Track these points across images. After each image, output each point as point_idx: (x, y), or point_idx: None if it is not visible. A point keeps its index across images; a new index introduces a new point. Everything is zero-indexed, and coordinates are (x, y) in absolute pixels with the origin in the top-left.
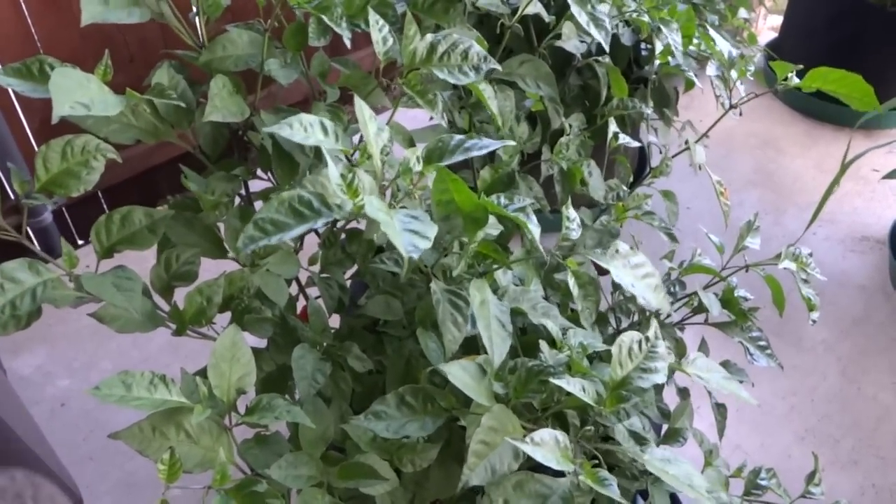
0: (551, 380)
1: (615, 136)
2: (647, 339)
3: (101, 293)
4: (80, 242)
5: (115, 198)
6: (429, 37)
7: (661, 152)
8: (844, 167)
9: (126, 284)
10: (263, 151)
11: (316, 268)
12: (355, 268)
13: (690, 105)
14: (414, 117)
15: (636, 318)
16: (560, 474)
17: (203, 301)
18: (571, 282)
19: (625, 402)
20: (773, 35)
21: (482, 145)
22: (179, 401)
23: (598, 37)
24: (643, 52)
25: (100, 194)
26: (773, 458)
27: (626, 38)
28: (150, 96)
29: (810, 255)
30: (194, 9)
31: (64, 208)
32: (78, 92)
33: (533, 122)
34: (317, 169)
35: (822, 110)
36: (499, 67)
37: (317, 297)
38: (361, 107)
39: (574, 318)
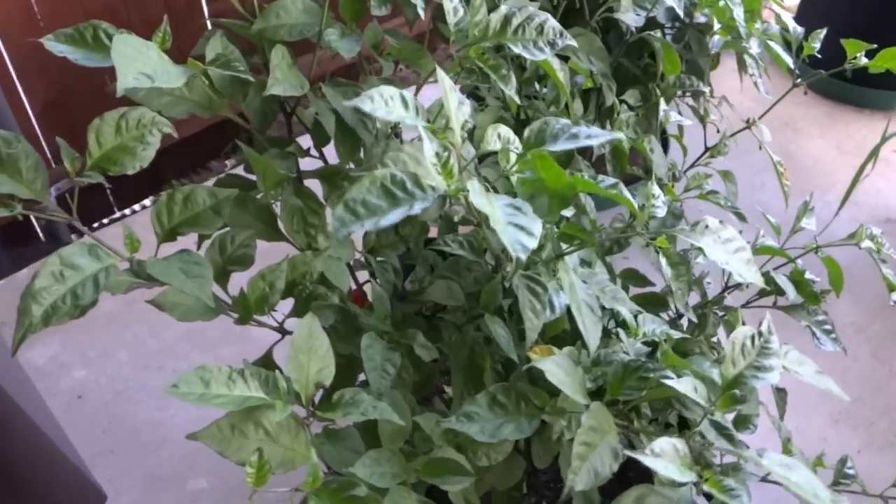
0: (664, 381)
1: (666, 114)
2: (760, 333)
3: (170, 279)
4: (84, 229)
5: (119, 186)
6: (503, 8)
7: (718, 131)
8: (876, 149)
9: (195, 270)
10: (318, 127)
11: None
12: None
13: (718, 85)
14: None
15: (699, 300)
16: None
17: (266, 287)
18: (664, 262)
19: (739, 403)
20: (790, 15)
21: (592, 134)
22: (260, 397)
23: (672, 2)
24: (674, 29)
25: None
26: (810, 442)
27: (661, 16)
28: (216, 67)
29: (882, 234)
30: None
31: (67, 194)
32: (139, 61)
33: (585, 98)
34: (381, 145)
35: (842, 91)
36: (574, 43)
37: (364, 283)
38: (443, 78)
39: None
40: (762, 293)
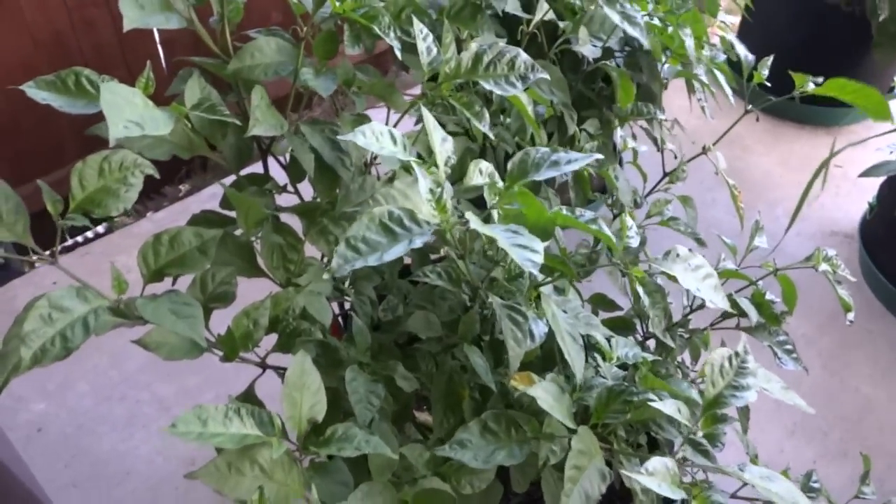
0: (650, 403)
1: (624, 141)
2: (738, 354)
3: (161, 320)
4: (33, 258)
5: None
6: (474, 46)
7: (675, 157)
8: (823, 164)
9: (185, 311)
10: (294, 164)
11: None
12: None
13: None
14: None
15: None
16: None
17: (250, 324)
18: (641, 290)
19: (721, 422)
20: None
21: (572, 159)
22: (257, 434)
23: (634, 33)
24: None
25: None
26: (769, 454)
27: (614, 43)
28: (200, 112)
29: (836, 255)
30: (215, 14)
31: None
32: (127, 110)
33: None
34: (357, 182)
35: (785, 109)
36: (546, 76)
37: (338, 315)
38: (427, 115)
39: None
40: (724, 315)
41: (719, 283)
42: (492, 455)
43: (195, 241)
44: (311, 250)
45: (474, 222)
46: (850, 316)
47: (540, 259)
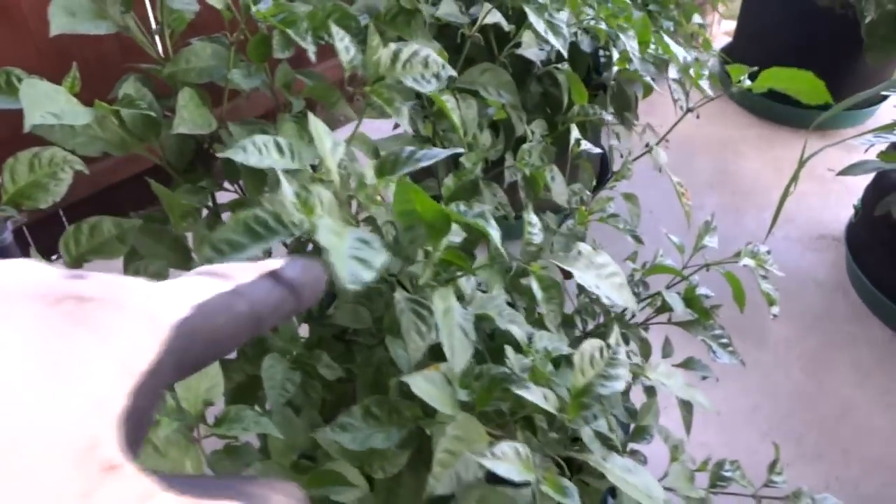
0: (513, 389)
1: (577, 142)
2: (609, 346)
3: None
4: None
5: (77, 215)
6: (392, 45)
7: (621, 156)
8: (800, 166)
9: None
10: (229, 163)
11: None
12: None
13: (652, 111)
14: (378, 128)
15: (602, 319)
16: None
17: None
18: (535, 286)
19: (587, 409)
20: (728, 40)
21: (431, 155)
22: None
23: (557, 44)
24: (602, 59)
25: (61, 212)
26: (740, 455)
27: (586, 45)
28: (120, 107)
29: (769, 252)
30: (157, 22)
31: (25, 227)
32: (47, 103)
33: (496, 129)
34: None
35: (778, 113)
36: (455, 74)
37: None
38: (315, 123)
39: (540, 322)
40: (660, 310)
41: (624, 282)
42: (369, 438)
43: (114, 230)
44: None
45: (322, 230)
46: (774, 310)
47: (370, 276)
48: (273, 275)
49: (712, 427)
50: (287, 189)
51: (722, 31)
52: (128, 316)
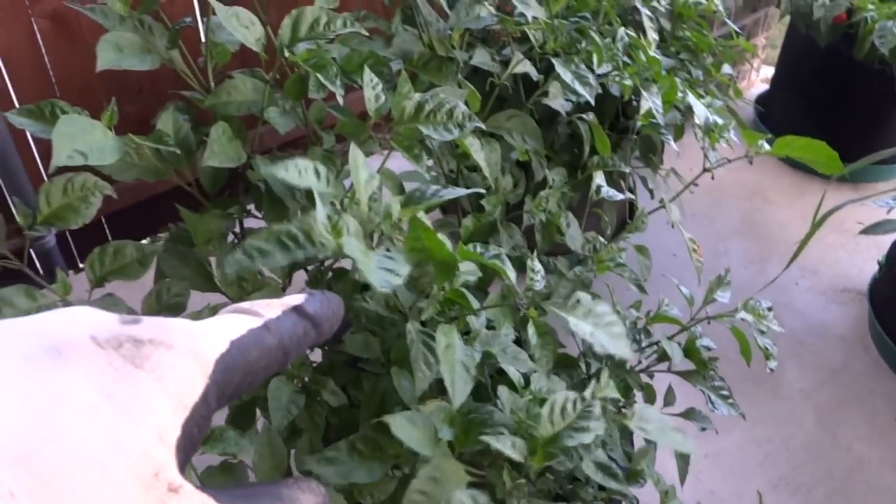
0: (482, 437)
1: (597, 189)
2: (583, 398)
3: None
4: (80, 266)
5: (118, 223)
6: (416, 96)
7: (652, 198)
8: (820, 220)
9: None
10: (258, 191)
11: None
12: None
13: (683, 154)
14: (400, 157)
15: (606, 363)
16: None
17: None
18: (531, 331)
19: (553, 458)
20: (766, 87)
21: (447, 193)
22: None
23: (584, 93)
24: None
25: (103, 220)
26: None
27: (615, 89)
28: (151, 142)
29: (769, 308)
30: (201, 54)
31: (67, 232)
32: (80, 139)
33: (525, 168)
34: (306, 212)
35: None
36: (482, 126)
37: None
38: (355, 153)
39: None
40: (661, 358)
41: (622, 331)
42: (351, 472)
43: (136, 253)
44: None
45: (348, 245)
46: (772, 364)
47: (398, 281)
48: (296, 310)
49: (720, 475)
50: (321, 209)
51: (760, 77)
52: (177, 354)
